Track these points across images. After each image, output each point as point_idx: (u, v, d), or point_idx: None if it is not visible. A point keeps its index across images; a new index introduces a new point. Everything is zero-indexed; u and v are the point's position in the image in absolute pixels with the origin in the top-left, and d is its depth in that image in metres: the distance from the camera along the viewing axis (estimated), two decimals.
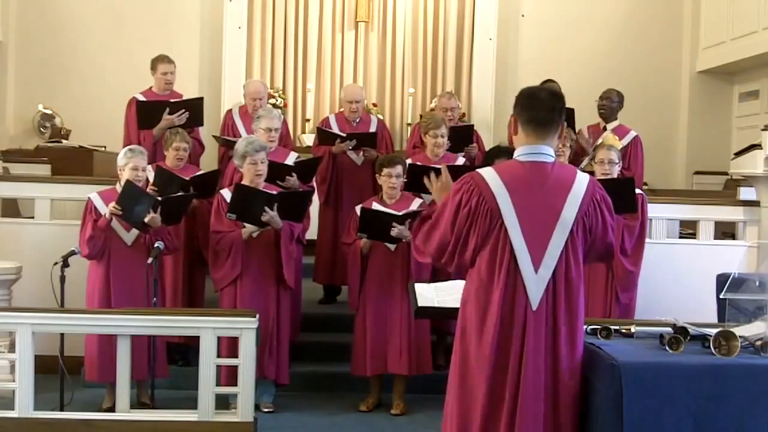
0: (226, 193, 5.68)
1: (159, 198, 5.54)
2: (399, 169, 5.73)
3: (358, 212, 5.76)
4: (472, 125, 6.95)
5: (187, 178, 5.97)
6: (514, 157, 3.35)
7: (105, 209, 5.51)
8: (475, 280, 3.29)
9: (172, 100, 6.73)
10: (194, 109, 6.71)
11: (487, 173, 3.29)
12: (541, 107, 3.28)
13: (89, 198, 5.65)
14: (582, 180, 3.31)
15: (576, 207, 3.25)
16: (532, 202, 3.23)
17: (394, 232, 5.52)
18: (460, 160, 6.44)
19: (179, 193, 5.80)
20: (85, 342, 5.58)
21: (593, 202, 3.29)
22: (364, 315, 5.73)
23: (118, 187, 5.59)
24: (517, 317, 3.20)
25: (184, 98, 6.87)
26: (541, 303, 3.20)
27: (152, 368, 5.40)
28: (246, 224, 5.58)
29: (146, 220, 5.45)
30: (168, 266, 5.95)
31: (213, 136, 7.05)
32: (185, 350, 6.17)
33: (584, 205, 3.26)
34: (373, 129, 6.99)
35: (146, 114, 6.61)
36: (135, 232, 5.57)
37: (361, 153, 6.82)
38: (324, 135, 6.83)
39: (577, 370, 3.28)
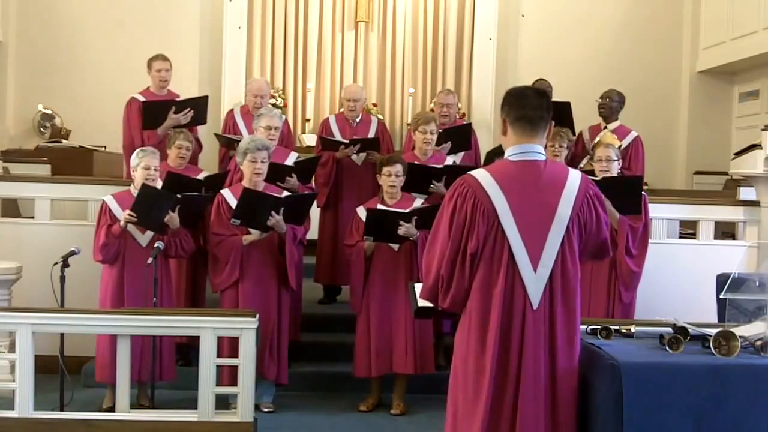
0: (227, 193, 5.67)
1: (178, 196, 5.52)
2: (399, 168, 5.73)
3: (360, 214, 5.75)
4: (469, 124, 6.93)
5: (201, 178, 5.98)
6: (505, 157, 3.35)
7: (120, 212, 5.49)
8: (476, 282, 3.27)
9: (177, 99, 6.72)
10: (199, 108, 6.71)
11: (480, 175, 3.28)
12: (530, 105, 3.28)
13: (104, 201, 5.63)
14: (575, 177, 3.30)
15: (571, 204, 3.24)
16: (527, 202, 3.22)
17: (401, 230, 5.51)
18: (449, 160, 6.43)
19: (197, 193, 5.80)
20: (97, 342, 5.58)
21: (587, 198, 3.29)
22: (368, 315, 5.72)
23: (133, 189, 5.59)
24: (516, 317, 3.19)
25: (186, 97, 6.86)
26: (541, 302, 3.20)
27: (153, 369, 5.39)
28: (249, 229, 5.57)
29: (165, 219, 5.45)
30: (171, 266, 5.91)
31: (215, 134, 7.05)
32: (186, 350, 6.16)
33: (578, 202, 3.26)
34: (373, 130, 7.01)
35: (151, 114, 6.58)
36: (150, 233, 5.55)
37: (362, 153, 6.82)
38: (326, 142, 6.83)
39: (575, 370, 3.28)
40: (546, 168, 3.28)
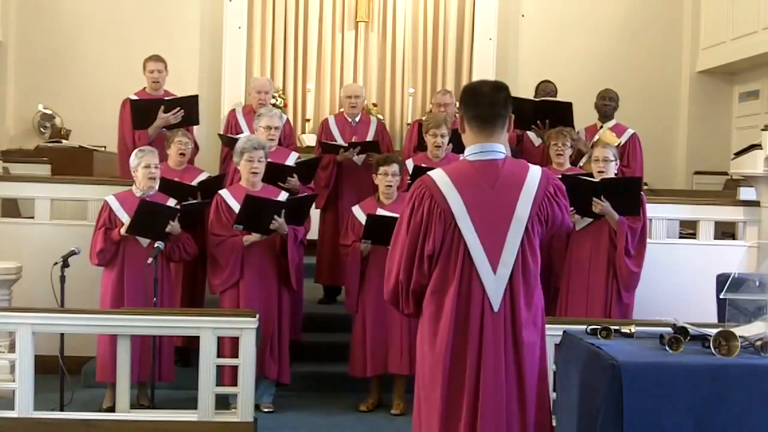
0: (226, 194, 5.67)
1: (178, 207, 5.54)
2: (395, 168, 5.73)
3: (356, 214, 5.75)
4: None
5: (194, 184, 5.98)
6: (463, 156, 3.29)
7: (122, 212, 5.49)
8: (430, 285, 3.21)
9: (166, 98, 6.67)
10: (189, 107, 6.63)
11: (437, 175, 3.23)
12: (484, 103, 3.20)
13: (106, 201, 5.61)
14: (534, 174, 3.23)
15: (530, 202, 3.19)
16: (485, 201, 3.16)
17: None
18: None
19: (197, 201, 5.80)
20: (98, 342, 5.57)
21: (547, 196, 3.23)
22: (364, 315, 5.72)
23: (135, 189, 5.59)
24: (473, 319, 3.13)
25: (175, 96, 6.81)
26: (501, 303, 3.14)
27: (153, 370, 5.38)
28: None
29: (167, 229, 5.45)
30: (171, 266, 5.90)
31: (218, 134, 7.04)
32: (186, 351, 6.16)
33: (538, 200, 3.20)
34: (372, 130, 7.02)
35: (140, 113, 6.52)
36: None
37: (362, 155, 6.82)
38: (327, 147, 6.84)
39: (543, 370, 3.24)
40: (504, 167, 3.21)
